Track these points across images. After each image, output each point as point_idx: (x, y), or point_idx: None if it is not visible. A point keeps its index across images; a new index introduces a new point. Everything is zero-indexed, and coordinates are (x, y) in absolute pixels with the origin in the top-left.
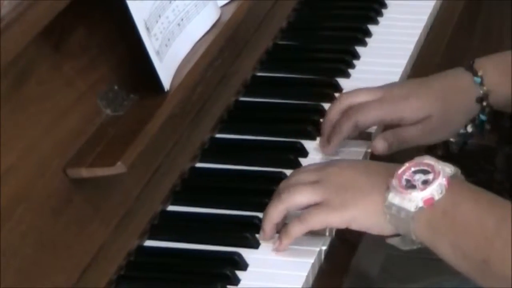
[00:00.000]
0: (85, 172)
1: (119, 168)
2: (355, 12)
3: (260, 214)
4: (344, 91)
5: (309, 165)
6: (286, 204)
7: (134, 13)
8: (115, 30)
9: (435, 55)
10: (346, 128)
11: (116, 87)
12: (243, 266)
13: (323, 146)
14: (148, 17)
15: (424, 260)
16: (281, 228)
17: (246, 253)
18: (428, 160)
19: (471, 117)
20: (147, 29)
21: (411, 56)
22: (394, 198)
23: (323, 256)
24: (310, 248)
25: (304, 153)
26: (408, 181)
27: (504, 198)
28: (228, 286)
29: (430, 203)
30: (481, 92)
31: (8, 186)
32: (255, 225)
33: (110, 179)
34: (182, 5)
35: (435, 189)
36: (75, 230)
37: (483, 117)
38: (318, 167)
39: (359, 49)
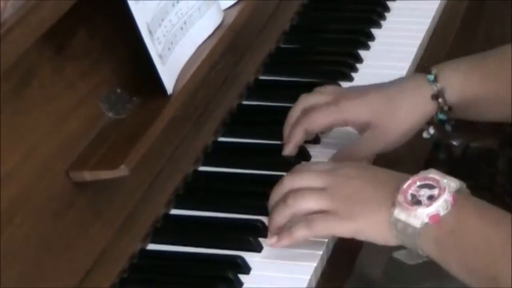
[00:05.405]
0: (88, 175)
1: (122, 171)
2: (358, 15)
3: (263, 218)
4: None
5: (316, 163)
6: (292, 209)
7: (137, 16)
8: (118, 33)
9: (438, 58)
10: (295, 135)
11: (118, 90)
12: (246, 269)
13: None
14: (151, 20)
15: (426, 263)
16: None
17: (249, 257)
18: (433, 174)
19: (427, 117)
20: (150, 32)
21: (414, 59)
22: (400, 214)
23: (325, 260)
24: (313, 252)
25: (307, 157)
26: (413, 196)
27: (506, 200)
28: None
29: (436, 219)
30: (435, 88)
31: (10, 189)
32: (258, 229)
33: (112, 182)
34: (185, 8)
35: (441, 205)
36: (77, 233)
37: (442, 116)
38: (326, 171)
39: (362, 53)
